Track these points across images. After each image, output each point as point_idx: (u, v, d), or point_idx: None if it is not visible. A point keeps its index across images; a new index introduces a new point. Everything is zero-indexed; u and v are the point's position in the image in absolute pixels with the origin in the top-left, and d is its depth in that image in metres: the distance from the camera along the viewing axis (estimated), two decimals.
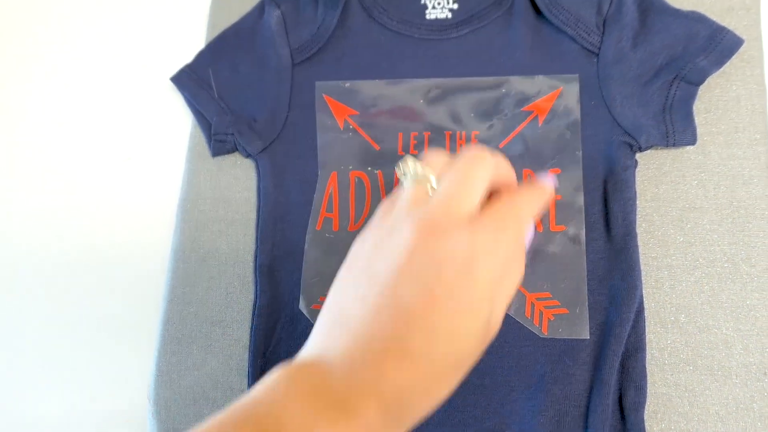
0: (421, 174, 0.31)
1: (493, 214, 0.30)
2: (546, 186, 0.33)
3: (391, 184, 0.42)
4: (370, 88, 0.44)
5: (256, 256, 0.42)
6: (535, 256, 0.40)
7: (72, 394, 0.44)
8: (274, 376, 0.27)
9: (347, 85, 0.45)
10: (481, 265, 0.28)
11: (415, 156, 0.34)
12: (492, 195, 0.32)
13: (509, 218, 0.30)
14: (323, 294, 0.40)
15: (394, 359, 0.27)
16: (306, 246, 0.42)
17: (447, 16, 0.45)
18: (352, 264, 0.31)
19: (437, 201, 0.30)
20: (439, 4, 0.45)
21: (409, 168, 0.32)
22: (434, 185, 0.31)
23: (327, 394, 0.26)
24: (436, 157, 0.32)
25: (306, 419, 0.25)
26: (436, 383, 0.28)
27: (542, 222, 0.40)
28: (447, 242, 0.28)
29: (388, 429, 0.27)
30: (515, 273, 0.30)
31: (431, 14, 0.45)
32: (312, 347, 0.29)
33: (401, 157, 0.42)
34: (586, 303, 0.38)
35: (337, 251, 0.41)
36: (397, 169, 0.33)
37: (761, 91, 0.41)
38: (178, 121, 0.47)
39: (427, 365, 0.27)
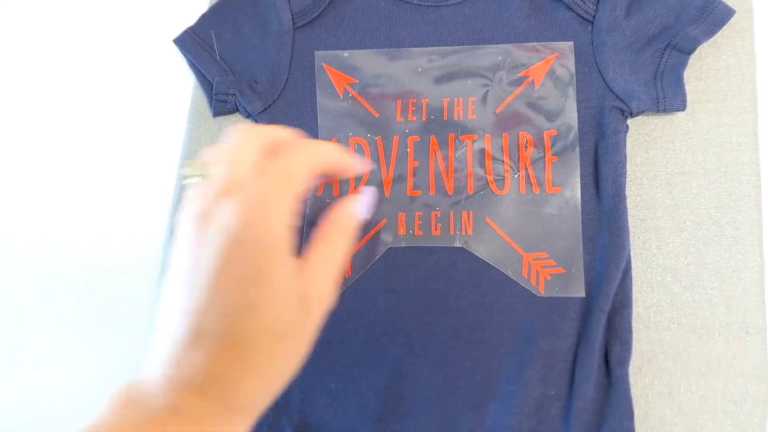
0: (197, 171, 0.30)
1: (260, 181, 0.29)
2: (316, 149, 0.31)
3: (389, 150, 0.43)
4: (369, 58, 0.45)
5: None
6: (531, 217, 0.41)
7: (72, 355, 0.45)
8: (105, 403, 0.27)
9: (346, 54, 0.45)
10: (250, 231, 0.27)
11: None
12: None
13: (279, 182, 0.29)
14: None
15: (192, 344, 0.27)
16: (307, 211, 0.43)
17: None
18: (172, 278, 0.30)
19: (208, 190, 0.29)
20: None
21: (187, 170, 0.31)
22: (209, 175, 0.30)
23: (147, 405, 0.26)
24: (215, 152, 0.31)
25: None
26: (258, 360, 0.28)
27: (538, 183, 0.41)
28: (214, 223, 0.28)
29: (217, 413, 0.27)
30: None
31: None
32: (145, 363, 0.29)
33: (400, 123, 0.43)
34: (582, 262, 0.39)
35: None
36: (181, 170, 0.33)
37: (750, 60, 0.42)
38: (181, 82, 0.48)
39: (225, 341, 0.27)
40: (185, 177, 0.31)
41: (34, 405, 0.44)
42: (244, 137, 0.30)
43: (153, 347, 0.29)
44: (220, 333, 0.27)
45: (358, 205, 0.33)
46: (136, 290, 0.44)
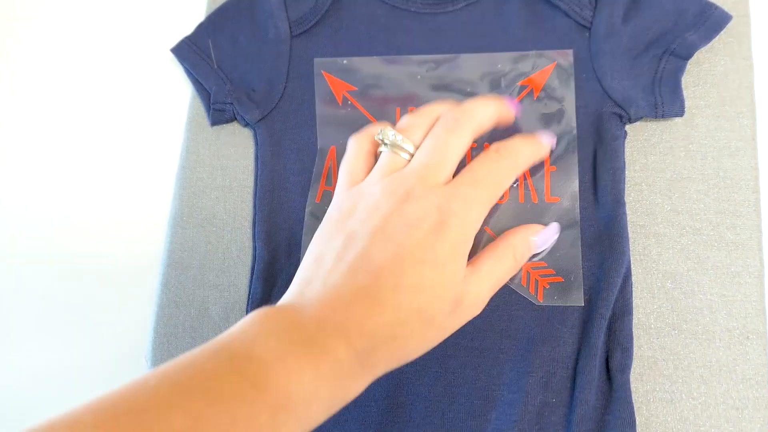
0: (399, 143, 0.35)
1: (466, 178, 0.33)
2: (535, 143, 0.38)
3: None
4: (368, 65, 0.45)
5: (254, 223, 0.43)
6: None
7: (71, 355, 0.44)
8: (252, 315, 0.30)
9: (345, 62, 0.45)
10: (450, 228, 0.32)
11: (396, 123, 0.37)
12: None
13: (482, 182, 0.33)
14: None
15: (362, 305, 0.30)
16: (306, 218, 0.43)
17: None
18: (330, 222, 0.34)
19: (412, 168, 0.33)
20: None
21: (388, 137, 0.35)
22: (412, 153, 0.35)
23: (299, 332, 0.29)
24: (416, 124, 0.36)
25: (277, 352, 0.27)
26: (402, 333, 0.30)
27: (537, 193, 0.41)
28: (418, 206, 0.32)
29: (355, 369, 0.29)
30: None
31: None
32: (290, 294, 0.32)
33: None
34: (581, 271, 0.39)
35: None
36: (376, 137, 0.36)
37: (748, 66, 0.42)
38: (178, 91, 0.48)
39: (392, 313, 0.30)
40: (383, 141, 0.35)
41: (31, 404, 0.44)
42: (457, 134, 0.34)
43: (318, 277, 0.32)
44: (385, 301, 0.30)
45: (538, 236, 0.37)
46: (134, 298, 0.44)
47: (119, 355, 0.43)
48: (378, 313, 0.30)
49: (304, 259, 0.34)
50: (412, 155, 0.35)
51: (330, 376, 0.28)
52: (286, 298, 0.32)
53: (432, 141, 0.34)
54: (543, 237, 0.38)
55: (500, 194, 0.35)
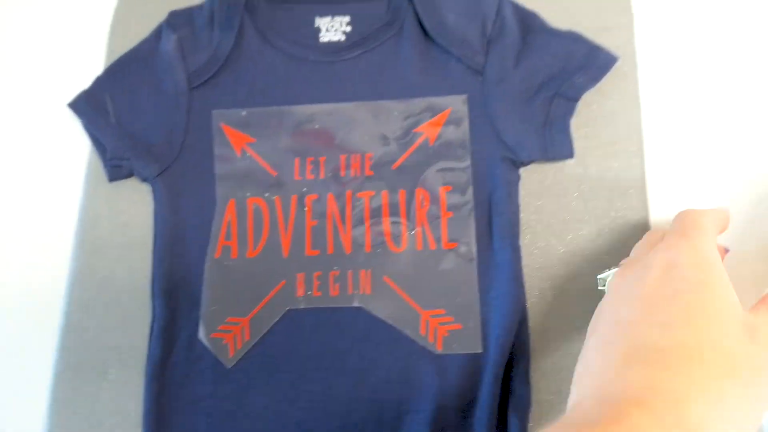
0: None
1: (676, 228, 0.33)
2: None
3: (287, 209, 0.43)
4: (267, 116, 0.45)
5: (153, 281, 0.42)
6: (428, 274, 0.40)
7: None
8: None
9: (243, 113, 0.45)
10: (686, 254, 0.30)
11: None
12: None
13: (697, 224, 0.32)
14: (223, 322, 0.41)
15: (628, 359, 0.27)
16: (205, 275, 0.42)
17: (340, 39, 0.46)
18: (599, 319, 0.33)
19: (634, 254, 0.35)
20: (332, 26, 0.46)
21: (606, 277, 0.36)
22: None
23: (585, 421, 0.26)
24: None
25: None
26: (695, 370, 0.26)
27: (435, 239, 0.41)
28: (647, 257, 0.31)
29: (665, 428, 0.25)
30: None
31: (325, 37, 0.46)
32: (571, 402, 0.30)
33: (298, 181, 0.43)
34: (479, 317, 0.39)
35: (236, 279, 0.42)
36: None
37: (636, 105, 0.43)
38: (76, 146, 0.47)
39: (664, 353, 0.27)
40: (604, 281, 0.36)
41: None
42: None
43: (586, 373, 0.30)
44: (659, 345, 0.27)
45: None
46: (30, 363, 0.43)
47: (15, 424, 0.42)
48: (662, 363, 0.27)
49: (579, 360, 0.32)
50: None
51: None
52: (570, 408, 0.30)
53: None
54: None
55: (716, 231, 0.33)
